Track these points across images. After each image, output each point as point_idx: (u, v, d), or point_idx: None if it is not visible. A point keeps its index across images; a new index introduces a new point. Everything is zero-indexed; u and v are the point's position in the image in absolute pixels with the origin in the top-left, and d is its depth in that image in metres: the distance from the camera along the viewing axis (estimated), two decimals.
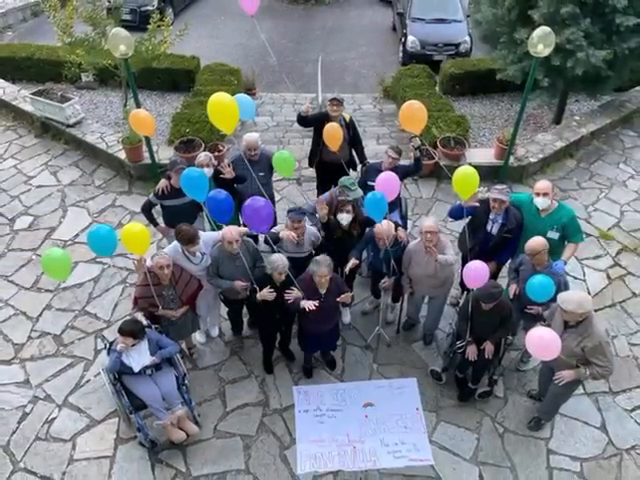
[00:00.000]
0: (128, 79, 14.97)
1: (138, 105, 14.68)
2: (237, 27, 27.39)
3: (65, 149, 17.58)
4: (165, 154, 15.83)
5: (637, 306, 12.73)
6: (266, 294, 9.67)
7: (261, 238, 11.65)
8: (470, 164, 13.57)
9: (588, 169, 17.03)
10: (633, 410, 10.84)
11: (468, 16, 23.82)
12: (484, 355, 9.96)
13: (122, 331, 9.52)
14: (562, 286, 9.77)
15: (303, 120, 12.86)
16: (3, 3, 27.54)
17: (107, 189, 15.97)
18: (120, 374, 9.78)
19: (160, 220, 11.86)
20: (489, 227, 10.86)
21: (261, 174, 11.84)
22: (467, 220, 10.95)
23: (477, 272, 9.45)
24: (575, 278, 13.12)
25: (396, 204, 11.79)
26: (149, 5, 26.01)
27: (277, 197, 14.39)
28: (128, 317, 10.93)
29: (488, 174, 14.94)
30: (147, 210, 11.66)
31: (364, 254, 11.47)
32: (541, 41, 13.10)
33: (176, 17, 28.12)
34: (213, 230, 10.99)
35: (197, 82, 20.08)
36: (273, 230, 10.56)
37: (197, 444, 10.18)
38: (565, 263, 10.55)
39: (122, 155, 16.07)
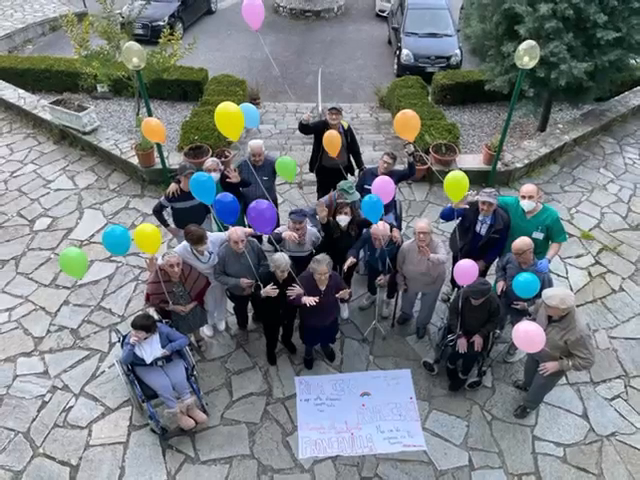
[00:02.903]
0: (140, 89, 14.94)
1: (150, 114, 14.67)
2: (242, 41, 26.97)
3: (81, 155, 17.54)
4: (175, 159, 15.80)
5: (616, 302, 12.71)
6: (269, 291, 9.69)
7: (265, 238, 11.69)
8: (460, 169, 13.54)
9: (571, 174, 17.02)
10: (613, 399, 10.82)
11: (458, 31, 24.05)
12: (473, 348, 9.97)
13: (135, 325, 9.53)
14: (546, 283, 9.78)
15: (304, 128, 12.85)
16: (24, 18, 27.38)
17: (121, 192, 15.91)
18: (133, 365, 9.78)
19: (170, 221, 11.87)
20: (478, 228, 10.86)
21: (265, 178, 11.82)
22: (457, 221, 10.99)
23: (467, 270, 9.46)
24: (558, 276, 13.10)
25: (391, 206, 11.79)
26: (160, 20, 25.84)
27: (280, 200, 14.37)
28: (140, 312, 10.96)
29: (477, 178, 14.92)
30: (158, 212, 11.66)
31: (361, 253, 11.46)
32: (527, 54, 13.06)
33: (185, 31, 27.73)
34: (220, 231, 10.99)
35: (205, 92, 20.08)
36: (276, 231, 10.58)
37: (205, 431, 10.16)
38: (549, 262, 10.55)
39: (135, 160, 16.03)
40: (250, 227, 10.43)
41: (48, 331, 11.91)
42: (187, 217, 11.26)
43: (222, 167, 11.89)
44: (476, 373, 10.72)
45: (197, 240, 9.99)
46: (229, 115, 10.10)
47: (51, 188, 16.03)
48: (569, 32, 15.31)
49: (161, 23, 25.14)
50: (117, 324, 11.87)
